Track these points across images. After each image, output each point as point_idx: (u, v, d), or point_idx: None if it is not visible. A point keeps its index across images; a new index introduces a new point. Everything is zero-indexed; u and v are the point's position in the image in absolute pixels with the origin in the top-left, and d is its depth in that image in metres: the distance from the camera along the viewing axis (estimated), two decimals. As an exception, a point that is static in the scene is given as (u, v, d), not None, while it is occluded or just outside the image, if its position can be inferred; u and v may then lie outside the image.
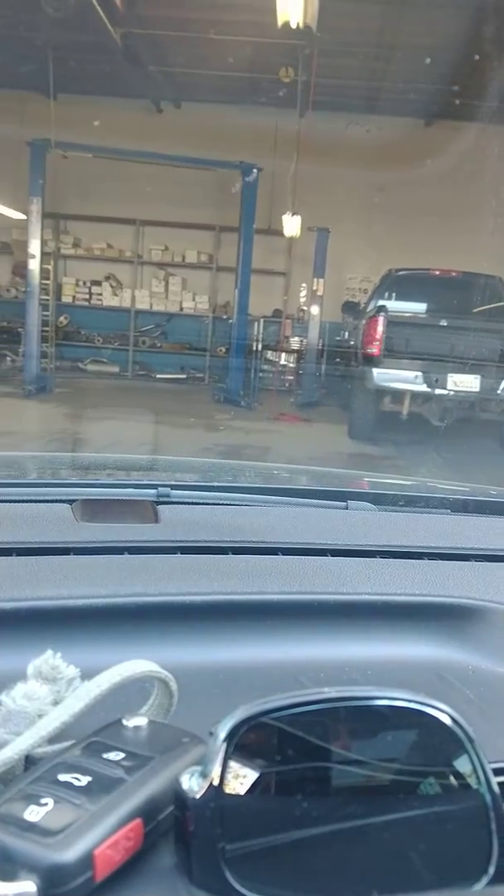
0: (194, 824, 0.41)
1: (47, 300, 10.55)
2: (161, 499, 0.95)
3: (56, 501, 0.91)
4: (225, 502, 0.98)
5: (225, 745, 0.41)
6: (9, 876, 0.38)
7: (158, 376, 10.88)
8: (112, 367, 11.07)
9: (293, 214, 9.98)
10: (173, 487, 0.98)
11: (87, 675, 0.51)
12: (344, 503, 1.02)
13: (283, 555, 0.85)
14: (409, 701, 0.44)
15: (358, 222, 9.74)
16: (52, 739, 0.48)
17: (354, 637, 0.76)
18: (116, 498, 0.97)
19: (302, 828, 0.42)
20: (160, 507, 0.92)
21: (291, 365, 10.62)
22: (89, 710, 0.48)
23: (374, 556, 0.87)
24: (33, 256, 8.87)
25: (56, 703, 0.50)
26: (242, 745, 0.41)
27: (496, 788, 0.43)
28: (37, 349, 9.22)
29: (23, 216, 9.40)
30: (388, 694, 0.44)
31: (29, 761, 0.47)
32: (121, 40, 8.56)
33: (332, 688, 0.44)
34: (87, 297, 11.48)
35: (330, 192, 9.76)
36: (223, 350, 10.60)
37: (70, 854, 0.38)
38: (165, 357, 11.18)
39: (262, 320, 10.57)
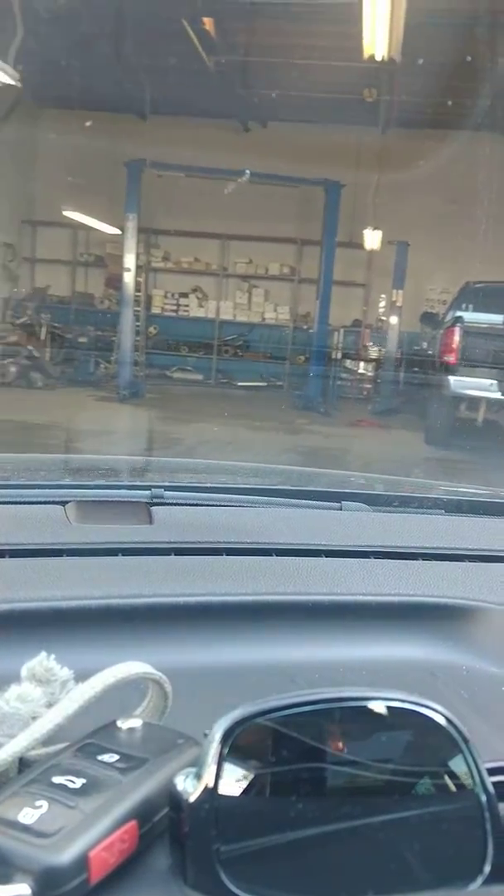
0: (189, 826, 0.41)
1: (138, 311, 10.90)
2: (155, 500, 0.94)
3: (49, 503, 0.91)
4: (219, 503, 0.98)
5: (220, 747, 0.41)
6: (3, 878, 0.38)
7: (239, 384, 11.13)
8: (196, 375, 11.35)
9: (374, 228, 10.30)
10: (167, 488, 0.98)
11: (81, 677, 0.51)
12: (338, 504, 1.02)
13: (278, 556, 0.85)
14: (404, 701, 0.44)
15: (438, 235, 9.99)
16: (46, 741, 0.47)
17: (349, 638, 0.76)
18: (110, 499, 0.97)
19: (297, 829, 0.42)
20: (154, 509, 0.92)
21: (369, 373, 10.78)
22: (83, 712, 0.48)
23: (369, 557, 0.87)
24: (128, 270, 9.12)
25: (50, 705, 0.49)
26: (237, 746, 0.41)
27: (491, 788, 0.43)
28: (130, 357, 9.60)
29: (116, 231, 9.89)
30: (383, 694, 0.44)
31: (23, 763, 0.46)
32: (213, 66, 8.90)
33: (326, 688, 0.44)
34: (175, 308, 11.89)
35: (410, 205, 10.03)
36: (302, 359, 10.89)
37: (65, 856, 0.38)
38: (247, 365, 11.43)
39: (341, 330, 10.83)
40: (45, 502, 0.91)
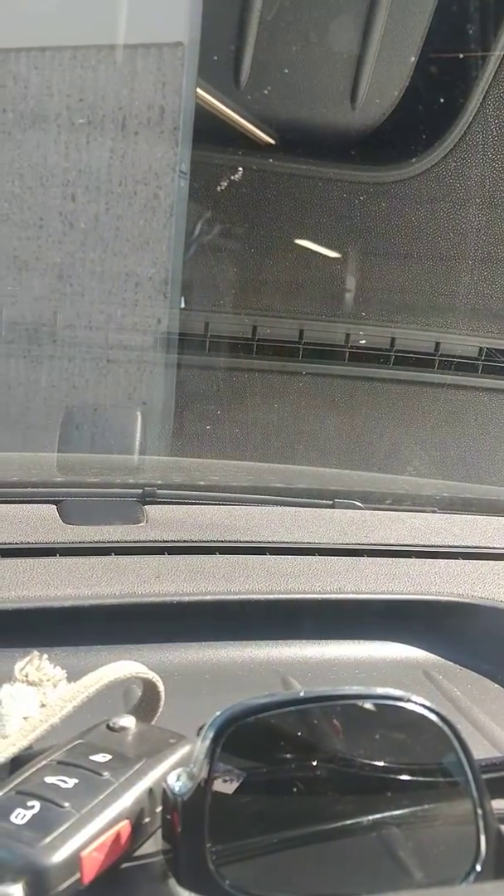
0: (182, 825, 0.41)
1: None
2: (147, 498, 0.94)
3: (41, 502, 0.90)
4: (212, 502, 0.98)
5: (212, 746, 0.41)
6: (-5, 880, 0.38)
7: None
8: None
9: None
10: (160, 487, 0.97)
11: (73, 676, 0.50)
12: (330, 502, 1.02)
13: (271, 554, 0.85)
14: (396, 699, 0.44)
15: None
16: (38, 741, 0.47)
17: (342, 636, 0.76)
18: (102, 498, 0.97)
19: (290, 827, 0.42)
20: (146, 507, 0.92)
21: None
22: (76, 711, 0.48)
23: (361, 555, 0.87)
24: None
25: (42, 705, 0.49)
26: (230, 745, 0.41)
27: (483, 785, 0.43)
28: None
29: None
30: (376, 692, 0.44)
31: (15, 764, 0.46)
32: None
33: (319, 687, 0.44)
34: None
35: None
36: None
37: (57, 857, 0.38)
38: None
39: None
40: (36, 501, 0.91)
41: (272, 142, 2.95)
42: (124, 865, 0.42)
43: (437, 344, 3.13)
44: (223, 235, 3.15)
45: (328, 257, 3.36)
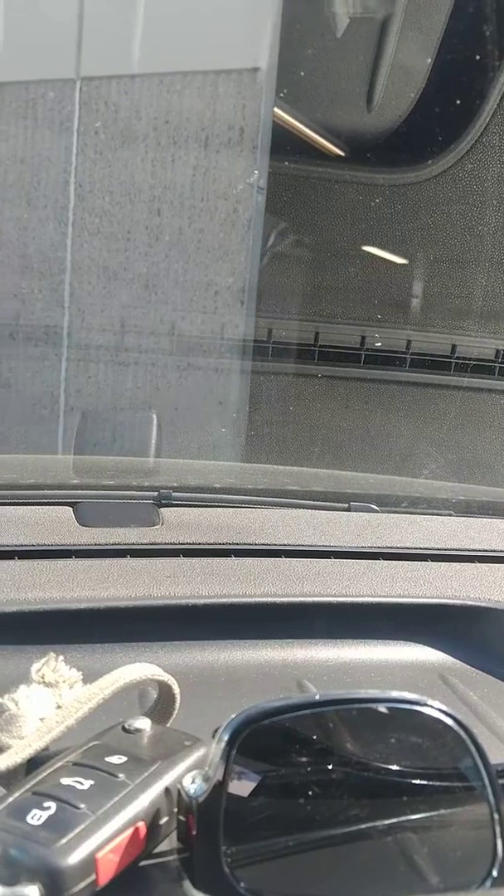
0: (197, 827, 0.41)
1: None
2: (163, 501, 0.94)
3: (58, 504, 0.91)
4: (227, 504, 0.98)
5: (227, 748, 0.41)
6: (11, 880, 0.38)
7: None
8: None
9: None
10: (175, 490, 0.98)
11: (89, 678, 0.51)
12: (346, 505, 1.01)
13: (286, 557, 0.85)
14: (413, 703, 0.44)
15: None
16: (54, 743, 0.48)
17: (358, 639, 0.76)
18: (118, 500, 0.97)
19: (305, 830, 0.42)
20: (162, 510, 0.92)
21: None
22: (92, 713, 0.48)
23: (377, 558, 0.87)
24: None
25: (58, 706, 0.50)
26: (246, 747, 0.41)
27: (500, 790, 0.43)
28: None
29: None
30: (392, 696, 0.44)
31: (31, 765, 0.46)
32: None
33: (335, 690, 0.44)
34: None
35: None
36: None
37: (73, 858, 0.38)
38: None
39: None
40: (53, 503, 0.91)
41: (340, 153, 3.05)
42: (139, 867, 0.42)
43: (454, 347, 3.15)
44: (290, 245, 3.27)
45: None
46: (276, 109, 2.86)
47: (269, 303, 3.15)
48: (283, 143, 2.92)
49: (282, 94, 2.86)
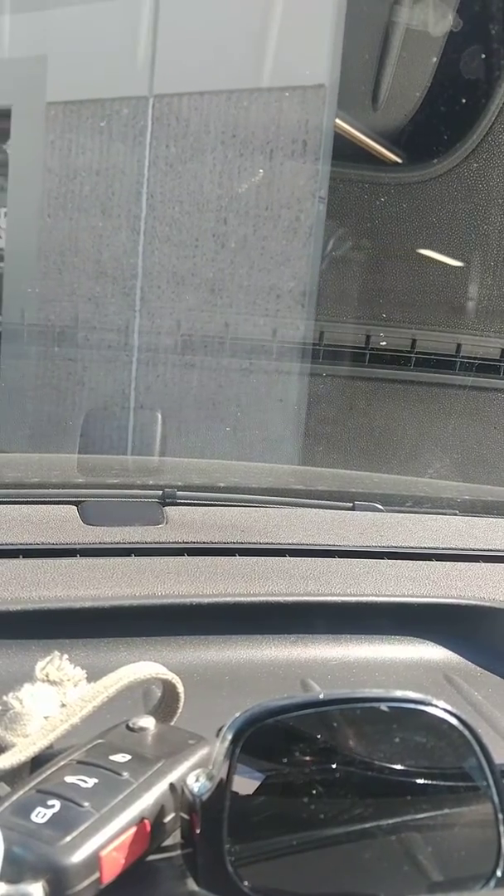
0: (201, 826, 0.41)
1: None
2: (167, 500, 0.95)
3: (62, 503, 0.91)
4: (231, 503, 0.98)
5: (231, 747, 0.41)
6: (15, 878, 0.38)
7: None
8: None
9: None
10: (179, 488, 0.98)
11: (93, 676, 0.51)
12: (350, 504, 1.01)
13: (290, 556, 0.85)
14: (417, 702, 0.44)
15: None
16: (58, 741, 0.48)
17: (362, 638, 0.75)
18: (123, 499, 0.97)
19: (309, 829, 0.42)
20: (166, 509, 0.92)
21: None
22: (96, 711, 0.48)
23: (382, 558, 0.87)
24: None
25: (63, 704, 0.50)
26: (249, 746, 0.41)
27: (504, 790, 0.43)
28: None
29: None
30: (396, 695, 0.44)
31: (35, 763, 0.47)
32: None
33: (339, 689, 0.44)
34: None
35: None
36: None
37: (77, 856, 0.38)
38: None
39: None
40: (57, 502, 0.91)
41: (398, 160, 3.17)
42: (143, 866, 0.42)
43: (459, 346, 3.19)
44: (345, 249, 3.38)
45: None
46: (336, 121, 3.00)
47: (326, 306, 3.25)
48: (343, 154, 3.07)
49: (343, 108, 3.00)
